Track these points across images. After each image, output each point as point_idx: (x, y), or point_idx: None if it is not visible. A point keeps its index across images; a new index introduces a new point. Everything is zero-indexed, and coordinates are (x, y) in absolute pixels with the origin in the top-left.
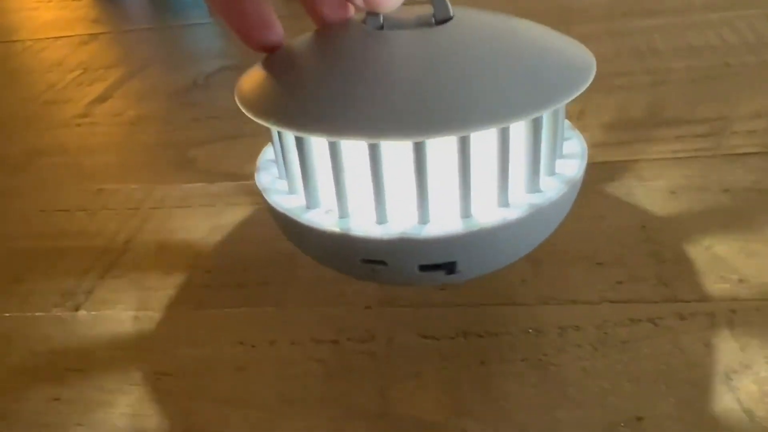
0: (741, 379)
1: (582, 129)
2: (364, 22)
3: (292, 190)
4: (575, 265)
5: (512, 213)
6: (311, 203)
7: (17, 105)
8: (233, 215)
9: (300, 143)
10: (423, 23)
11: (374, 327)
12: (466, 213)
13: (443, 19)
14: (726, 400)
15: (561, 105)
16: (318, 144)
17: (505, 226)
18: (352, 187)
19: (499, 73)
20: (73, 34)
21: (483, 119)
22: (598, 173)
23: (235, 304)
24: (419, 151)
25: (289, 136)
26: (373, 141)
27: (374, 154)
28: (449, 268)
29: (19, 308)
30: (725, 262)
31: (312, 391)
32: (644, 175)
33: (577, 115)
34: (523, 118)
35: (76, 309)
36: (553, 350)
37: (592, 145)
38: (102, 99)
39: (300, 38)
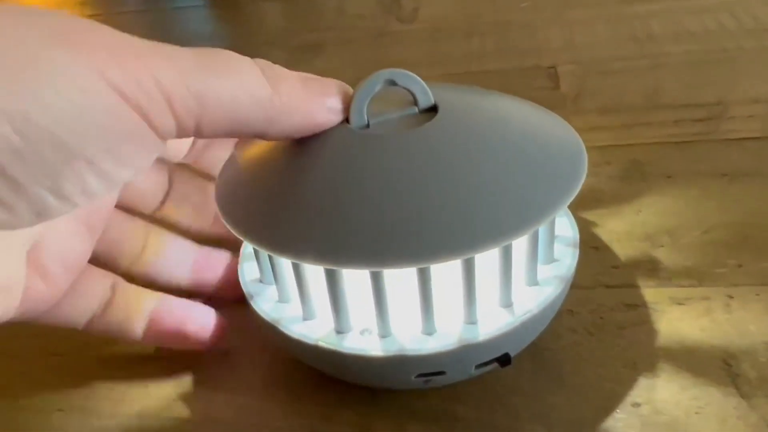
0: (739, 364)
1: (578, 113)
2: (347, 120)
3: (307, 315)
4: None
5: (547, 291)
6: (343, 328)
7: None
8: None
9: (330, 275)
10: (408, 115)
11: None
12: (506, 303)
13: (427, 107)
14: (724, 386)
15: (560, 209)
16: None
17: (547, 304)
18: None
19: (497, 185)
20: None
21: (486, 241)
22: (595, 157)
23: None
24: (468, 264)
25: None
26: (421, 266)
27: (423, 275)
28: (504, 359)
29: None
30: (723, 246)
31: (300, 377)
32: (641, 159)
33: (574, 98)
34: (527, 232)
35: None
36: (547, 335)
37: (589, 129)
38: None
39: None
